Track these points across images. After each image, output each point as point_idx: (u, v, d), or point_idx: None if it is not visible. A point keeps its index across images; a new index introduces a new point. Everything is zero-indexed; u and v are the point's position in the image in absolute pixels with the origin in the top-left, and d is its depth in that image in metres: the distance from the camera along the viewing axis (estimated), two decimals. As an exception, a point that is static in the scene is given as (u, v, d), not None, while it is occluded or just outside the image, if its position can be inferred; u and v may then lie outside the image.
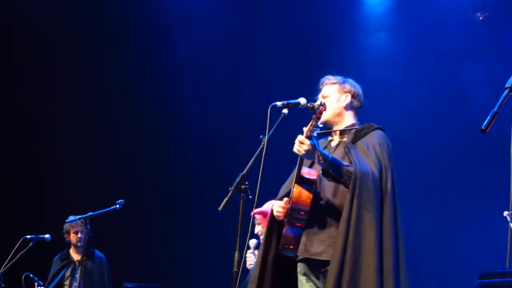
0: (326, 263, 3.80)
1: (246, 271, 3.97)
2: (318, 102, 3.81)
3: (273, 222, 4.05)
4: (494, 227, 7.17)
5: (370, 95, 8.25)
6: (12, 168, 9.34)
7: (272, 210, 4.04)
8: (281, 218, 3.97)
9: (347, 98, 4.17)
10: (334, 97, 4.16)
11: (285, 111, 4.00)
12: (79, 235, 7.14)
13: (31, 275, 6.98)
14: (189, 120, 9.42)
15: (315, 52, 8.92)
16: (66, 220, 7.17)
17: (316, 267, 3.90)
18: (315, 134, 3.74)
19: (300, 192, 3.82)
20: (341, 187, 3.85)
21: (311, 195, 3.82)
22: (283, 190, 4.14)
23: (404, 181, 7.60)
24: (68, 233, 7.19)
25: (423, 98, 8.51)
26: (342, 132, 4.12)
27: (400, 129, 8.23)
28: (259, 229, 6.12)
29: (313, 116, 3.71)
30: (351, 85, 4.23)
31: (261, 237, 6.13)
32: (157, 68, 9.47)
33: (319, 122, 3.72)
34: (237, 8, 9.27)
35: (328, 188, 3.91)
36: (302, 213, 3.84)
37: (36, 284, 6.97)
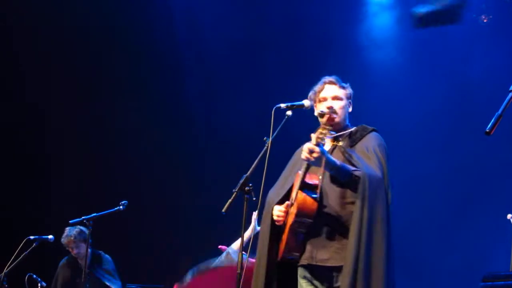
0: (333, 269, 3.80)
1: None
2: (325, 109, 3.75)
3: (273, 227, 4.00)
4: (497, 230, 7.16)
5: (372, 96, 8.29)
6: (15, 168, 9.35)
7: (272, 215, 4.00)
8: (281, 223, 3.94)
9: (351, 104, 4.16)
10: (345, 102, 4.10)
11: (289, 113, 4.00)
12: (74, 250, 7.10)
13: (34, 276, 6.97)
14: (193, 122, 9.43)
15: (319, 54, 8.92)
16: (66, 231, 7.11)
17: (322, 273, 3.87)
18: (323, 142, 3.69)
19: (304, 199, 3.77)
20: (346, 192, 3.82)
21: (316, 202, 3.78)
22: (275, 194, 4.08)
23: (406, 182, 7.66)
24: (67, 247, 7.14)
25: (426, 100, 8.51)
26: (337, 137, 4.05)
27: (403, 130, 8.24)
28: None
29: (323, 122, 3.66)
30: (351, 89, 4.20)
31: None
32: (162, 70, 9.47)
33: (328, 129, 3.65)
34: (242, 10, 9.27)
35: (331, 193, 3.86)
36: (307, 219, 3.80)
37: (39, 285, 6.96)
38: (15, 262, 6.56)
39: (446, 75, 8.53)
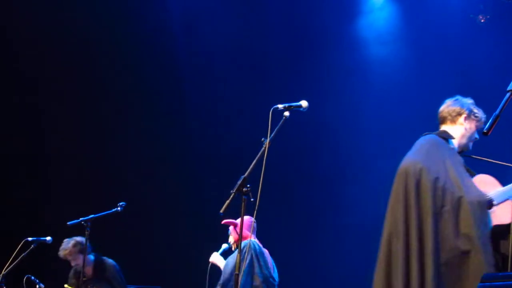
0: None
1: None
2: None
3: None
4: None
5: (372, 96, 8.28)
6: (14, 170, 9.34)
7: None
8: None
9: None
10: None
11: (286, 113, 4.00)
12: (73, 263, 6.90)
13: (33, 278, 6.94)
14: (191, 123, 9.41)
15: (318, 55, 8.90)
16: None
17: None
18: None
19: None
20: None
21: None
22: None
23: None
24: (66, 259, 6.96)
25: (423, 100, 8.49)
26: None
27: (401, 131, 8.23)
28: (231, 239, 6.07)
29: None
30: None
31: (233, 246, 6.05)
32: (160, 70, 9.46)
33: None
34: (240, 9, 9.26)
35: None
36: None
37: (37, 286, 6.93)
38: (13, 264, 6.56)
39: (442, 77, 8.53)
